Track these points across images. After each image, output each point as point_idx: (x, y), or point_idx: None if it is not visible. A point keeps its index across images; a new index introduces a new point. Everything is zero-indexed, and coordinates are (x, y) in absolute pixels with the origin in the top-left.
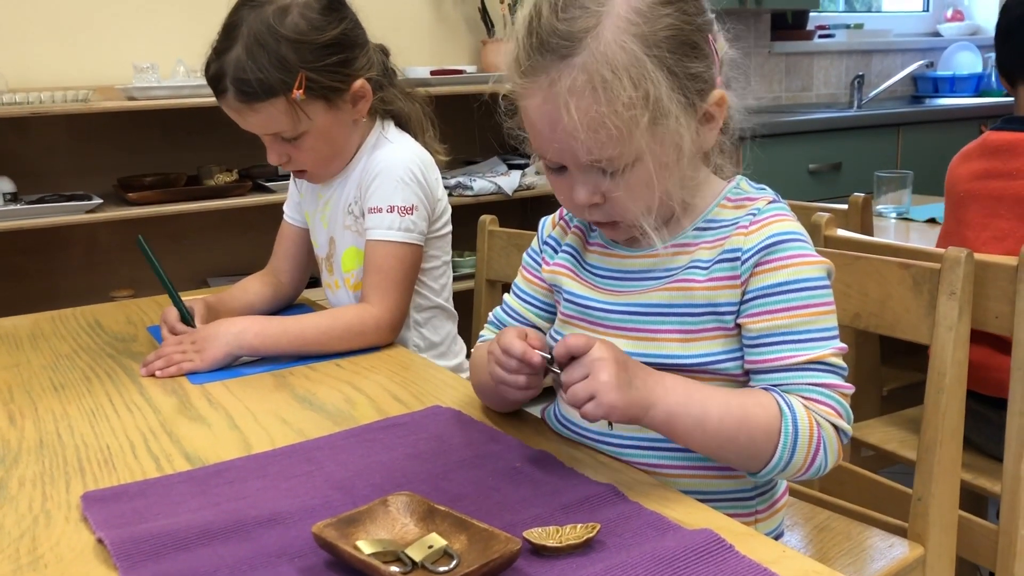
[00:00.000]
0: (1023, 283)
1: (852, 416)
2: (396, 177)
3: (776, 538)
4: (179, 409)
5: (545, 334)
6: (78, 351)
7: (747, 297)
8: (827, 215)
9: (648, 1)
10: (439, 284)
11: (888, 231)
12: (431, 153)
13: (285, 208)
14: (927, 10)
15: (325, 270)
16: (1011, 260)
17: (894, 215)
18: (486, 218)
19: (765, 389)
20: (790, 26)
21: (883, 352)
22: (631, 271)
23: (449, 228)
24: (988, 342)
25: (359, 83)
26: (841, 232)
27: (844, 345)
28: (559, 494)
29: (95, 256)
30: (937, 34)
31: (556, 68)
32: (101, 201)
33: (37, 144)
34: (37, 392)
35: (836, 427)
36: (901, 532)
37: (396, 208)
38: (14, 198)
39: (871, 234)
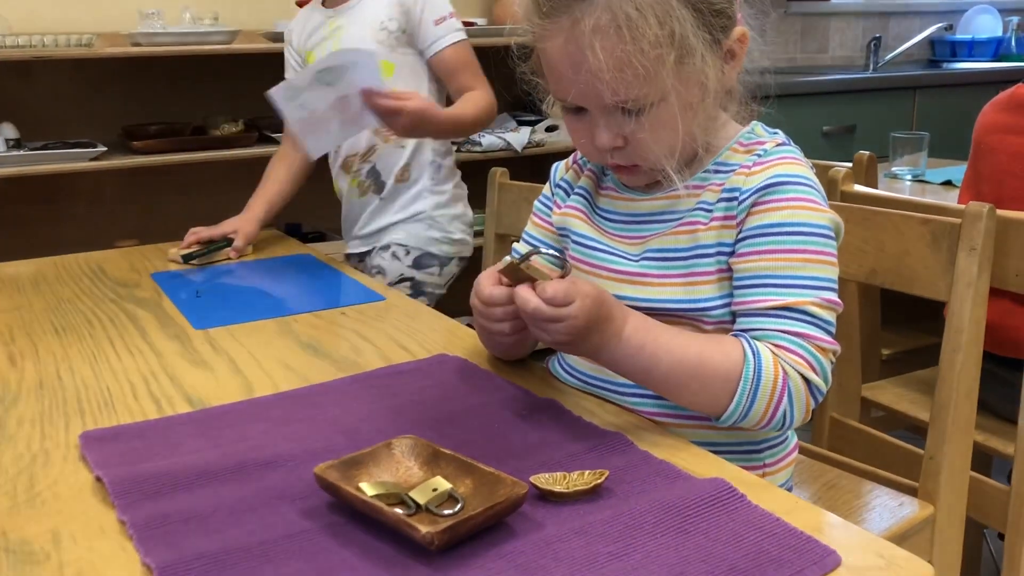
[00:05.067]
0: None
1: (829, 374)
2: None
3: None
4: (181, 353)
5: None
6: (80, 295)
7: (740, 237)
8: (844, 169)
9: None
10: None
11: (903, 193)
12: None
13: (286, 74)
14: None
15: None
16: None
17: (909, 177)
18: (496, 171)
19: (737, 334)
20: None
21: (883, 317)
22: (640, 214)
23: None
24: (1006, 301)
25: None
26: (858, 187)
27: (836, 299)
28: (567, 442)
29: (99, 205)
30: None
31: (579, 7)
32: (105, 149)
33: (41, 90)
34: (38, 334)
35: (807, 379)
36: (911, 491)
37: (451, 14)
38: (17, 144)
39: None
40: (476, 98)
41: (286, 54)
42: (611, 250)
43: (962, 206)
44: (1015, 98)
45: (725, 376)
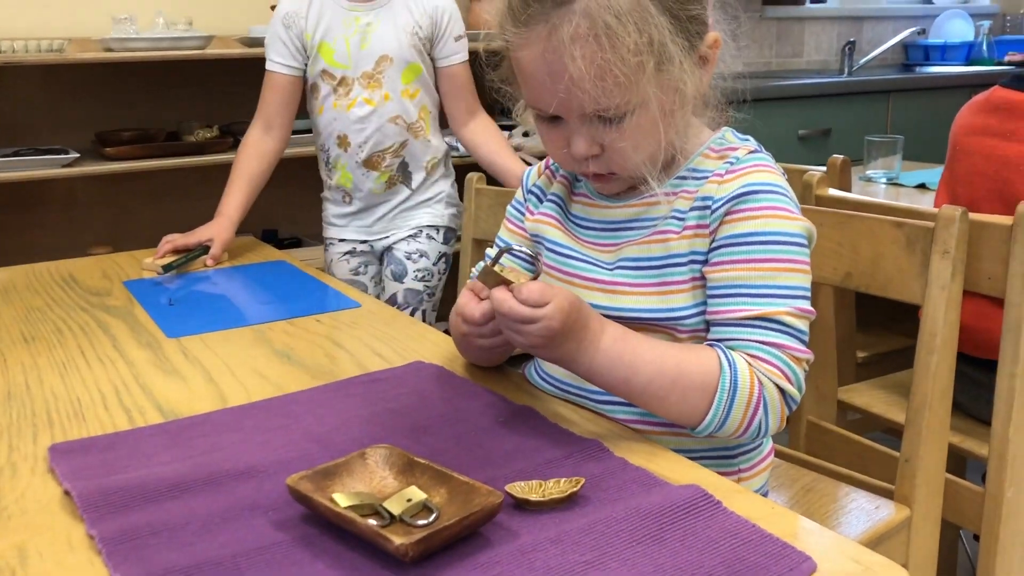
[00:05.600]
0: (1018, 244)
1: (803, 383)
2: (457, 6)
3: None
4: (153, 362)
5: None
6: (51, 304)
7: (713, 246)
8: (819, 173)
9: None
10: None
11: (878, 196)
12: None
13: (274, 58)
14: None
15: (359, 86)
16: (1006, 220)
17: (884, 180)
18: (473, 176)
19: (713, 343)
20: None
21: (858, 320)
22: (614, 221)
23: None
24: (978, 303)
25: None
26: (833, 191)
27: (809, 307)
28: (543, 449)
29: (73, 212)
30: (930, 1)
31: (556, 15)
32: (78, 155)
33: (12, 96)
34: (6, 344)
35: (781, 389)
36: (887, 494)
37: (465, 34)
38: None
39: None
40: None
41: (277, 35)
42: (585, 258)
43: (935, 210)
44: (991, 100)
45: (702, 387)
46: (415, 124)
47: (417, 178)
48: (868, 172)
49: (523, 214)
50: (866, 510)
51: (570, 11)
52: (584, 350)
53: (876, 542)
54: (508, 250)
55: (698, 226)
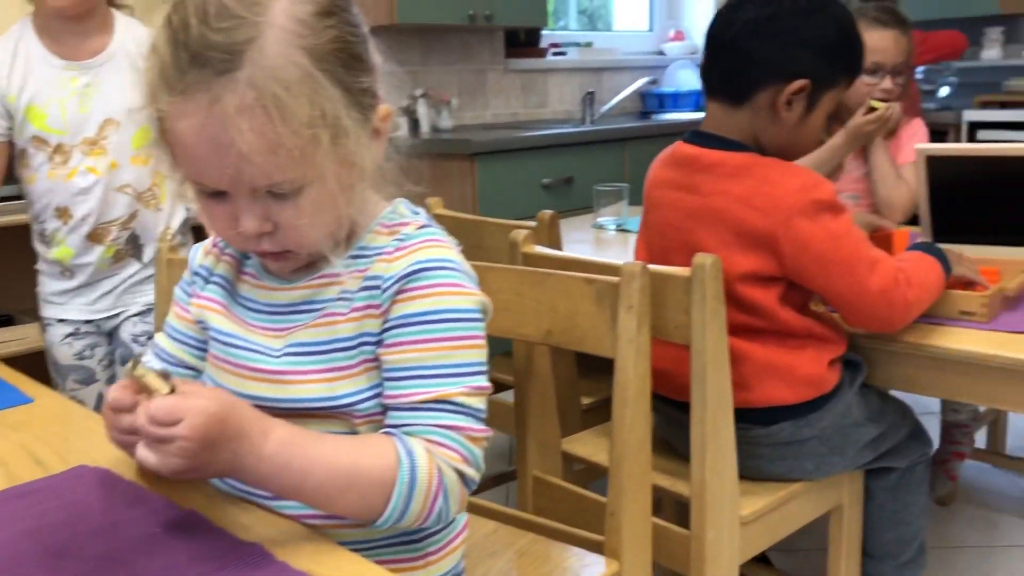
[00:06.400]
0: (696, 294)
1: (481, 462)
2: None
3: None
4: None
5: (201, 376)
6: None
7: (386, 327)
8: (525, 232)
9: (309, 11)
10: None
11: (608, 243)
12: None
13: None
14: (652, 30)
15: (80, 154)
16: (684, 271)
17: (614, 227)
18: (164, 245)
19: (389, 430)
20: (524, 44)
21: (583, 366)
22: (282, 304)
23: None
24: (676, 348)
25: None
26: (538, 248)
27: (485, 384)
28: (199, 560)
29: None
30: (661, 53)
31: (218, 84)
32: None
33: None
34: None
35: (460, 473)
36: (601, 548)
37: None
38: None
39: (559, 250)
40: None
41: None
42: (251, 346)
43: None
44: (675, 155)
45: (380, 482)
46: (146, 193)
47: (149, 251)
48: (599, 220)
49: (190, 297)
50: (576, 570)
51: (234, 80)
52: (244, 460)
53: None
54: (137, 361)
55: (368, 307)
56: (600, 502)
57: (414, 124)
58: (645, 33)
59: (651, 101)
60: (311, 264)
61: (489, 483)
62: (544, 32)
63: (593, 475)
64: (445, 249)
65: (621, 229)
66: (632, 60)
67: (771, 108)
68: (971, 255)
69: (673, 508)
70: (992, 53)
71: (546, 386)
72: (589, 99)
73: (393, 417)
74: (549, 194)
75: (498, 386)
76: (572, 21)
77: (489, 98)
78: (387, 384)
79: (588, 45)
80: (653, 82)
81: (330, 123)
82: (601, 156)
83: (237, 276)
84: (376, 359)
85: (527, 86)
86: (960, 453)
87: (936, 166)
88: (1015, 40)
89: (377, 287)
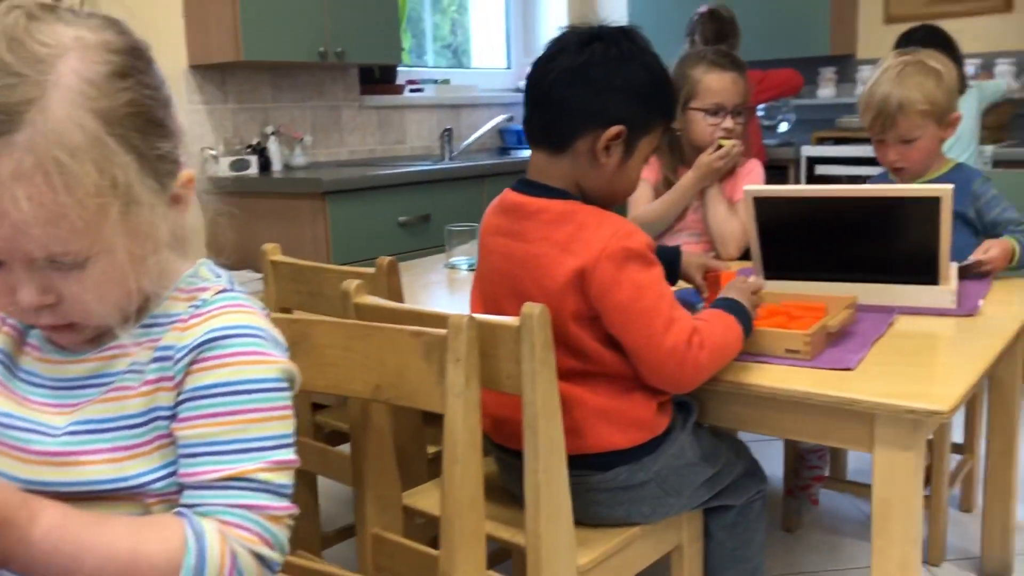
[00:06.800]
0: (526, 343)
1: (286, 543)
2: None
3: None
4: None
5: None
6: None
7: (179, 400)
8: (357, 281)
9: (102, 72)
10: None
11: (462, 283)
12: None
13: None
14: (509, 67)
15: None
16: (513, 321)
17: (466, 267)
18: None
19: (181, 511)
20: (379, 80)
21: (428, 413)
22: (68, 379)
23: None
24: (513, 396)
25: None
26: (370, 299)
27: (289, 457)
28: None
29: None
30: (519, 90)
31: None
32: None
33: None
34: None
35: (259, 555)
36: None
37: None
38: None
39: (399, 298)
40: None
41: None
42: (31, 426)
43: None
44: (503, 203)
45: (164, 568)
46: None
47: None
48: (452, 260)
49: None
50: None
51: (10, 143)
52: (13, 549)
53: None
54: None
55: (160, 379)
56: (435, 557)
57: (265, 163)
58: (503, 70)
59: (509, 137)
60: (101, 335)
61: (335, 537)
62: (401, 68)
63: (437, 527)
64: (246, 315)
65: (473, 269)
66: (490, 97)
67: (590, 154)
68: (799, 290)
69: (520, 557)
70: (827, 92)
71: (384, 439)
72: (447, 135)
73: (187, 497)
74: (406, 232)
75: (338, 436)
76: (431, 57)
77: (344, 135)
78: (182, 461)
79: (446, 82)
80: (511, 119)
81: (121, 192)
82: (459, 193)
83: (18, 348)
84: (170, 435)
85: (384, 123)
86: (820, 476)
87: (764, 206)
88: (846, 79)
89: (170, 358)
